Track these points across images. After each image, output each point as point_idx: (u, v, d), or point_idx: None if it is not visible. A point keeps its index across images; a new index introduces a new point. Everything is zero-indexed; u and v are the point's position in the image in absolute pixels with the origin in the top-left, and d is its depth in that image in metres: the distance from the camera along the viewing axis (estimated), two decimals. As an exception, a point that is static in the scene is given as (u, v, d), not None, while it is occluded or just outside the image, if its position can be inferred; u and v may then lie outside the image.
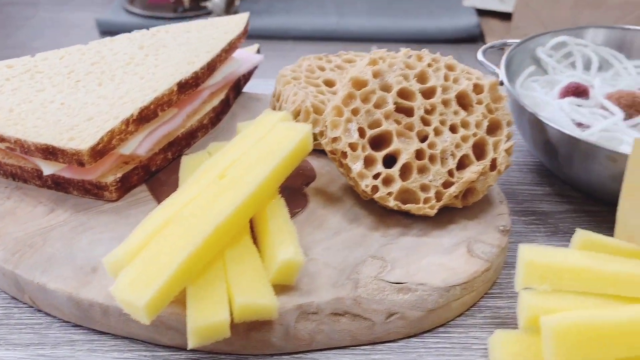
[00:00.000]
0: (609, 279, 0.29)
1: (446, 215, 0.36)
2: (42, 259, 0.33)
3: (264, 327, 0.30)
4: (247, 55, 0.49)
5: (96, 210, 0.37)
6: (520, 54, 0.48)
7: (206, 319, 0.27)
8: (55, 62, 0.42)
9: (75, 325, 0.32)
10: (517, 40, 0.48)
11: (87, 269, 0.32)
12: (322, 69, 0.46)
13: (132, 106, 0.37)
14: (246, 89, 0.51)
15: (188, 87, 0.41)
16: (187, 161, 0.39)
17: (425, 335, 0.32)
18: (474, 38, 1.82)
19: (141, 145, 0.38)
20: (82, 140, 0.34)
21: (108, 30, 1.58)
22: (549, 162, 0.41)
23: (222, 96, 0.46)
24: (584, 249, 0.31)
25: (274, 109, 0.44)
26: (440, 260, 0.33)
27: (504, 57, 0.45)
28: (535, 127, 0.39)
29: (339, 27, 1.71)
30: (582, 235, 0.31)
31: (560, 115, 0.40)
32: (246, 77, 0.50)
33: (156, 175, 0.40)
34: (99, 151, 0.35)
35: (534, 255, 0.30)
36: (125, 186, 0.38)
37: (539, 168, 0.45)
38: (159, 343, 0.31)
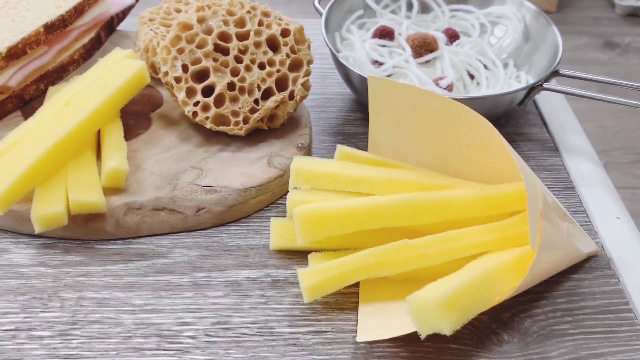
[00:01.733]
0: (352, 180, 0.39)
1: (259, 136, 0.45)
2: None
3: (98, 219, 0.39)
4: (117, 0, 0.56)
5: (-25, 131, 0.45)
6: (353, -1, 0.56)
7: (45, 210, 0.37)
8: None
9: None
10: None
11: (-37, 177, 0.41)
12: (178, 11, 0.53)
13: (1, 45, 0.45)
14: (125, 26, 0.58)
15: (55, 28, 0.48)
16: (52, 91, 0.47)
17: (230, 224, 0.42)
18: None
19: (12, 78, 0.46)
20: (-46, 74, 0.42)
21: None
22: (353, 93, 0.50)
23: (92, 34, 0.53)
24: (343, 160, 0.41)
25: (135, 46, 0.52)
26: (244, 170, 0.43)
27: (328, 5, 0.53)
28: (339, 65, 0.48)
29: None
30: (342, 149, 0.41)
31: (362, 54, 0.49)
32: (120, 17, 0.57)
33: (30, 103, 0.48)
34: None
35: (301, 164, 0.40)
36: (1, 113, 0.46)
37: (356, 98, 0.54)
38: (21, 232, 0.40)
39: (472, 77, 0.50)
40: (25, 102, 0.48)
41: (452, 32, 0.53)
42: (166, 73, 0.43)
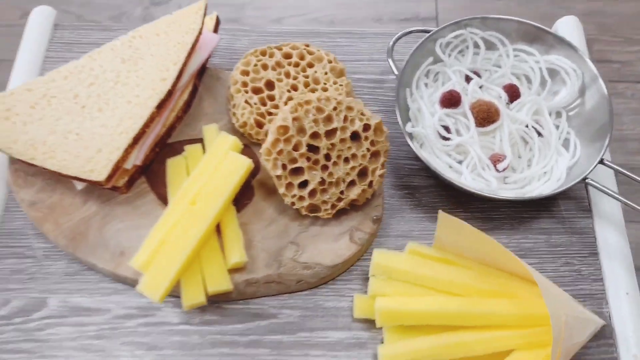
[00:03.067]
0: (420, 277, 0.50)
1: (341, 210, 0.55)
2: (89, 244, 0.54)
3: (227, 292, 0.52)
4: (206, 42, 0.61)
5: (115, 201, 0.56)
6: (426, 44, 0.60)
7: (192, 301, 0.50)
8: (62, 84, 0.55)
9: (114, 279, 0.55)
10: (420, 28, 0.60)
11: (117, 253, 0.53)
12: (265, 67, 0.59)
13: (127, 137, 0.53)
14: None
15: (164, 101, 0.55)
16: (171, 164, 0.56)
17: (322, 286, 0.55)
18: None
19: (137, 157, 0.55)
20: (99, 173, 0.52)
21: None
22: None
23: (190, 87, 0.60)
24: (412, 254, 0.52)
25: (229, 102, 0.59)
26: (331, 246, 0.54)
27: (406, 60, 0.58)
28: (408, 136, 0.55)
29: None
30: (412, 246, 0.52)
31: (430, 132, 0.56)
32: (209, 57, 0.62)
33: (151, 167, 0.57)
34: (111, 175, 0.53)
35: (379, 259, 0.51)
36: (131, 183, 0.56)
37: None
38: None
39: (526, 141, 0.57)
40: (147, 166, 0.57)
41: (514, 91, 0.58)
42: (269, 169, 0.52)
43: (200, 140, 0.58)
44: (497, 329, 0.48)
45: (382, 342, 0.51)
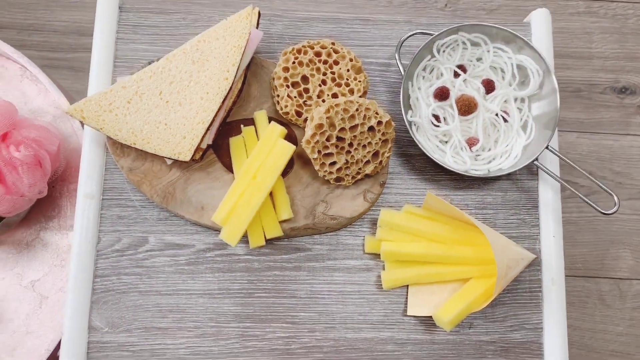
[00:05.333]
0: (412, 230, 0.73)
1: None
2: (177, 201, 0.75)
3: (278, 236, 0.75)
4: (253, 38, 0.76)
5: (192, 168, 0.76)
6: (428, 45, 0.77)
7: (256, 244, 0.73)
8: (149, 83, 0.72)
9: (196, 224, 0.77)
10: (422, 31, 0.77)
11: (199, 207, 0.75)
12: (300, 64, 0.76)
13: (203, 126, 0.72)
14: (252, 40, 0.79)
15: (227, 95, 0.73)
16: (233, 142, 0.75)
17: (342, 229, 0.77)
18: None
19: (209, 138, 0.74)
20: (185, 155, 0.71)
21: None
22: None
23: (242, 78, 0.77)
24: (407, 213, 0.74)
25: (273, 91, 0.76)
26: (350, 204, 0.76)
27: (411, 61, 0.75)
28: (408, 124, 0.75)
29: None
30: (408, 207, 0.74)
31: (425, 121, 0.75)
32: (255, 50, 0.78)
33: (216, 142, 0.77)
34: (193, 156, 0.72)
35: (385, 216, 0.73)
36: (203, 155, 0.75)
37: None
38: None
39: (495, 125, 0.77)
40: (213, 142, 0.76)
41: (490, 85, 0.77)
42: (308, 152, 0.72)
43: (251, 121, 0.77)
44: (462, 265, 0.72)
45: (384, 269, 0.75)
